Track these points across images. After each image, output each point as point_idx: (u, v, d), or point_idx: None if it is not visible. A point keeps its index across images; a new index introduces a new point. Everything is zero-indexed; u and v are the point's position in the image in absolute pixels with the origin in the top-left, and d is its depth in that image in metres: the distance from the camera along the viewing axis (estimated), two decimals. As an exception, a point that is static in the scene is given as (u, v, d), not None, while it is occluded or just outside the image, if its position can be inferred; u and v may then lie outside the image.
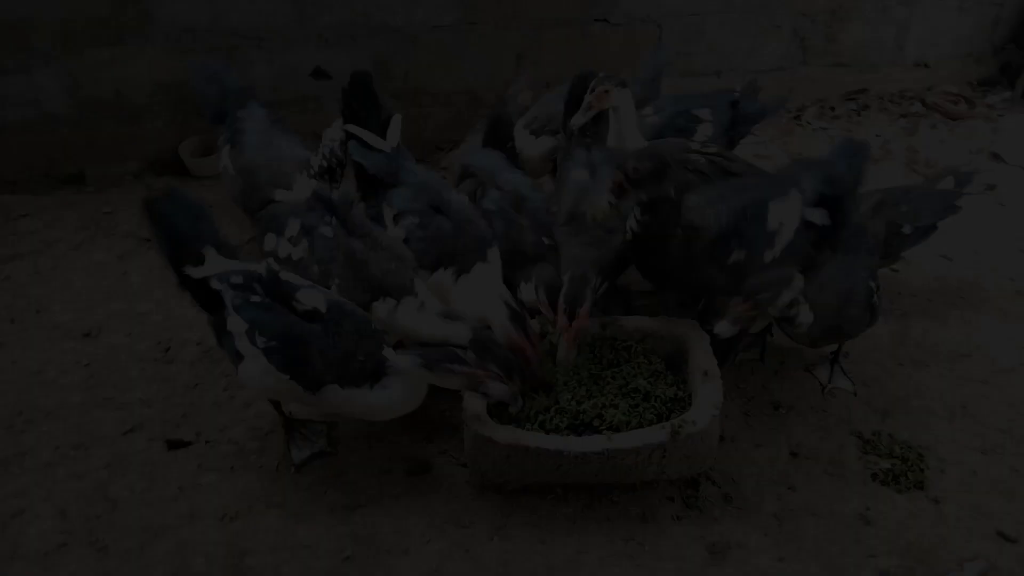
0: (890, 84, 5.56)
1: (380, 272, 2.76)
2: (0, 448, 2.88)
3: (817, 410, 3.14)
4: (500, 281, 2.97)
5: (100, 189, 4.33)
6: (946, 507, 2.79)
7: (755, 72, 5.32)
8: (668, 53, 4.29)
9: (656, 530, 2.64)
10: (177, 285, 2.62)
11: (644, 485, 2.75)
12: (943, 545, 2.66)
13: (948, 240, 4.14)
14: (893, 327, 3.56)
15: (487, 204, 3.17)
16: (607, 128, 3.40)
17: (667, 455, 2.62)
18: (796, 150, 4.94)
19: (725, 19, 5.04)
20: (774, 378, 3.28)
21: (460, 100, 4.86)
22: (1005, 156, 4.90)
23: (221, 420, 3.01)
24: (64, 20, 4.03)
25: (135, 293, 3.61)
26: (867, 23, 5.34)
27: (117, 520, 2.63)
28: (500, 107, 3.85)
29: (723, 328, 2.62)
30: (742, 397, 3.18)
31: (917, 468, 2.90)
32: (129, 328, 3.41)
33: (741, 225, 2.75)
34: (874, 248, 3.10)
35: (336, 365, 2.49)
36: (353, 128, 3.18)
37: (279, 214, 2.92)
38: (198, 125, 4.49)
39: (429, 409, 3.02)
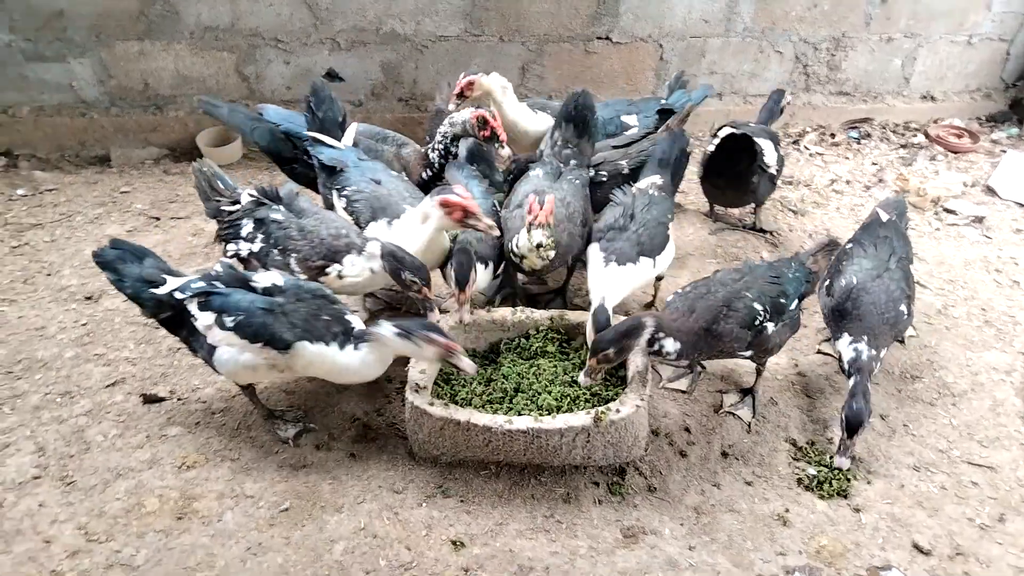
0: (894, 115, 5.62)
1: (330, 236, 3.03)
2: (-4, 391, 3.19)
3: (756, 417, 3.24)
4: None
5: (121, 171, 4.68)
6: (866, 516, 2.88)
7: (756, 96, 5.48)
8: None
9: (576, 511, 2.80)
10: (147, 314, 2.88)
11: (572, 470, 2.91)
12: (856, 551, 2.75)
13: (926, 268, 4.21)
14: (849, 345, 3.65)
15: None
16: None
17: (591, 440, 2.78)
18: (788, 174, 5.04)
19: (727, 42, 5.19)
20: (720, 383, 3.41)
21: (465, 107, 5.09)
22: (999, 190, 4.92)
23: (194, 382, 3.27)
24: (98, 14, 4.40)
25: (138, 265, 3.91)
26: (872, 53, 5.43)
27: (87, 460, 2.90)
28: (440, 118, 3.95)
29: (582, 380, 2.81)
30: (684, 399, 3.31)
31: (843, 477, 3.00)
32: (127, 295, 3.71)
33: None
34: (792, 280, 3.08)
35: (302, 323, 2.73)
36: (315, 135, 3.57)
37: (232, 222, 3.17)
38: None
39: (384, 384, 3.25)
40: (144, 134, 4.80)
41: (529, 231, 3.10)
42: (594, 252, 3.28)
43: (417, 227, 3.12)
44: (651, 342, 2.77)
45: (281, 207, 3.16)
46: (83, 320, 3.57)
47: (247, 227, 3.13)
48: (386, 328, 2.70)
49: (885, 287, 3.20)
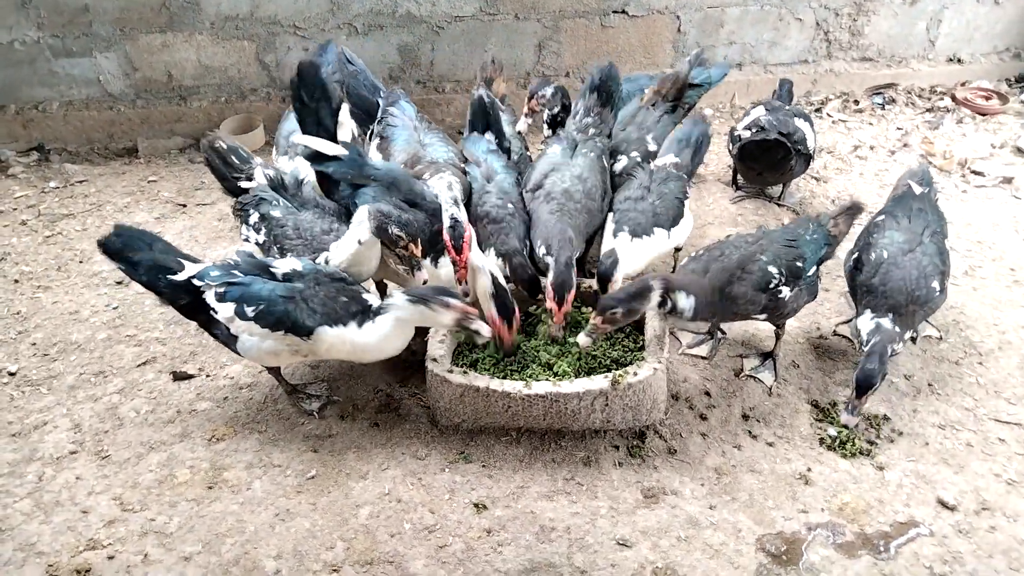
0: (919, 79, 5.51)
1: (321, 231, 3.04)
2: (34, 372, 3.30)
3: (778, 380, 3.23)
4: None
5: (148, 161, 4.80)
6: (889, 473, 2.86)
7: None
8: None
9: (597, 473, 2.82)
10: (164, 300, 2.88)
11: (592, 434, 2.93)
12: (879, 507, 2.74)
13: (953, 230, 4.12)
14: (873, 307, 3.62)
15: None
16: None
17: (609, 403, 2.80)
18: (810, 141, 4.98)
19: (745, 11, 5.13)
20: (741, 348, 3.40)
21: (482, 87, 5.11)
22: (1030, 151, 4.82)
23: (222, 359, 3.36)
24: (122, 8, 4.51)
25: (166, 250, 4.02)
26: (895, 16, 5.32)
27: (121, 435, 3.00)
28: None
29: (582, 340, 2.78)
30: (705, 365, 3.31)
31: (861, 437, 2.98)
32: (156, 279, 3.80)
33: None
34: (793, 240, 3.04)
35: (322, 307, 2.75)
36: (306, 139, 3.24)
37: (245, 204, 3.19)
38: (239, 105, 4.93)
39: (406, 357, 3.29)
40: (169, 124, 4.91)
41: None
42: (608, 223, 3.30)
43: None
44: (662, 303, 2.77)
45: (282, 201, 3.15)
46: (114, 304, 3.68)
47: (254, 216, 3.15)
48: (399, 298, 2.71)
49: (917, 262, 3.05)
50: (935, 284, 3.05)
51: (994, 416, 3.10)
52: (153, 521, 2.67)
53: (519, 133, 3.95)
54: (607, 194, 3.52)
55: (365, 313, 2.78)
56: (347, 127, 3.57)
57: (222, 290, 2.77)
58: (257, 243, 3.13)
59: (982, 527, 2.67)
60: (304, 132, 3.37)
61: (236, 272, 2.81)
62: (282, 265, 2.86)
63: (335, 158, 3.17)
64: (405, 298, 2.70)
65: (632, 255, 3.10)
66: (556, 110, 3.99)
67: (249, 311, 2.73)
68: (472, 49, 4.98)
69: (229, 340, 2.84)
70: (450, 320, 2.72)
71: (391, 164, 3.36)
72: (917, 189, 3.41)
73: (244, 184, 3.19)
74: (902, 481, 2.83)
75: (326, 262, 2.98)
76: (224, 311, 2.77)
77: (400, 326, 2.78)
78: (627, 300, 2.73)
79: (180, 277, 2.81)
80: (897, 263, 3.05)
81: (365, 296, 2.85)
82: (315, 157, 3.18)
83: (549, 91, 3.92)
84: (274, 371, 3.08)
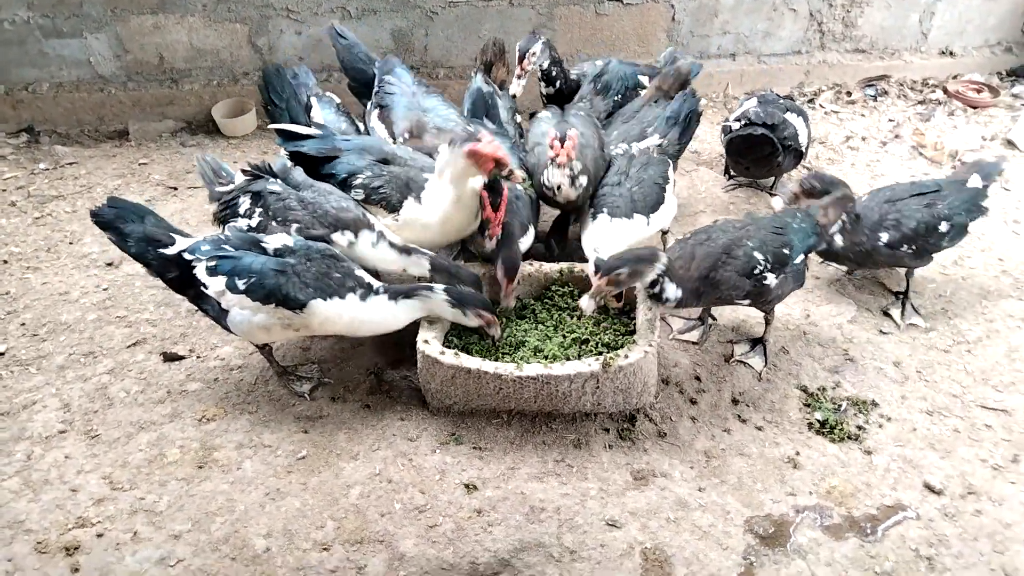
0: (912, 71, 5.52)
1: (334, 209, 3.02)
2: (23, 352, 3.28)
3: (767, 365, 3.25)
4: None
5: (139, 143, 4.77)
6: (877, 458, 2.88)
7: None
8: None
9: (587, 455, 2.84)
10: (152, 273, 2.90)
11: (583, 417, 2.94)
12: (866, 491, 2.77)
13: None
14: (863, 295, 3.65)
15: None
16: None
17: (600, 386, 2.81)
18: (802, 131, 4.99)
19: (740, 1, 5.12)
20: (731, 334, 3.42)
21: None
22: (1019, 143, 4.84)
23: (213, 340, 3.34)
24: (113, -13, 4.48)
25: (157, 232, 3.99)
26: (888, 8, 5.33)
27: (111, 415, 2.99)
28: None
29: (585, 304, 2.80)
30: (695, 350, 3.33)
31: (855, 422, 3.00)
32: (147, 261, 3.78)
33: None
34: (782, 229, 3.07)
35: (314, 281, 2.76)
36: (278, 125, 3.29)
37: (229, 202, 3.12)
38: (231, 89, 4.90)
39: (397, 338, 3.29)
40: (161, 108, 4.87)
41: (551, 166, 3.22)
42: (586, 209, 3.32)
43: (444, 189, 3.03)
44: (654, 283, 2.78)
45: (279, 181, 3.13)
46: (104, 285, 3.66)
47: (244, 204, 3.09)
48: (439, 293, 2.81)
49: (926, 206, 3.36)
50: (943, 227, 3.34)
51: (981, 403, 3.13)
52: (143, 500, 2.67)
53: (513, 99, 4.03)
54: (604, 147, 3.57)
55: (367, 288, 2.82)
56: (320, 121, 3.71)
57: (212, 264, 2.78)
58: (251, 228, 3.06)
59: (968, 511, 2.70)
60: None
61: (227, 247, 2.82)
62: (273, 240, 2.86)
63: (309, 136, 3.27)
64: (444, 297, 2.82)
65: (612, 236, 3.11)
66: (547, 64, 4.02)
67: (240, 284, 2.74)
68: (466, 35, 4.96)
69: (219, 315, 2.84)
70: (476, 324, 2.90)
71: (362, 137, 3.52)
72: (976, 183, 3.53)
73: (223, 188, 3.15)
74: (889, 465, 2.86)
75: (348, 244, 2.97)
76: (215, 285, 2.78)
77: (413, 311, 2.88)
78: (633, 262, 2.75)
79: (171, 251, 2.82)
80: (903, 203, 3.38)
81: (359, 273, 2.86)
82: (288, 138, 3.27)
83: (538, 47, 3.91)
84: (265, 351, 3.07)
